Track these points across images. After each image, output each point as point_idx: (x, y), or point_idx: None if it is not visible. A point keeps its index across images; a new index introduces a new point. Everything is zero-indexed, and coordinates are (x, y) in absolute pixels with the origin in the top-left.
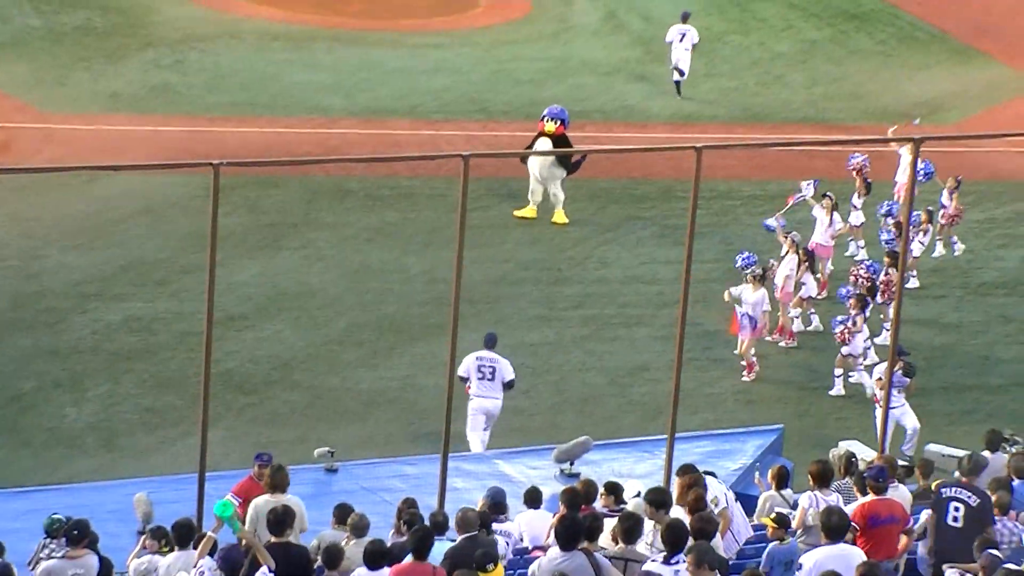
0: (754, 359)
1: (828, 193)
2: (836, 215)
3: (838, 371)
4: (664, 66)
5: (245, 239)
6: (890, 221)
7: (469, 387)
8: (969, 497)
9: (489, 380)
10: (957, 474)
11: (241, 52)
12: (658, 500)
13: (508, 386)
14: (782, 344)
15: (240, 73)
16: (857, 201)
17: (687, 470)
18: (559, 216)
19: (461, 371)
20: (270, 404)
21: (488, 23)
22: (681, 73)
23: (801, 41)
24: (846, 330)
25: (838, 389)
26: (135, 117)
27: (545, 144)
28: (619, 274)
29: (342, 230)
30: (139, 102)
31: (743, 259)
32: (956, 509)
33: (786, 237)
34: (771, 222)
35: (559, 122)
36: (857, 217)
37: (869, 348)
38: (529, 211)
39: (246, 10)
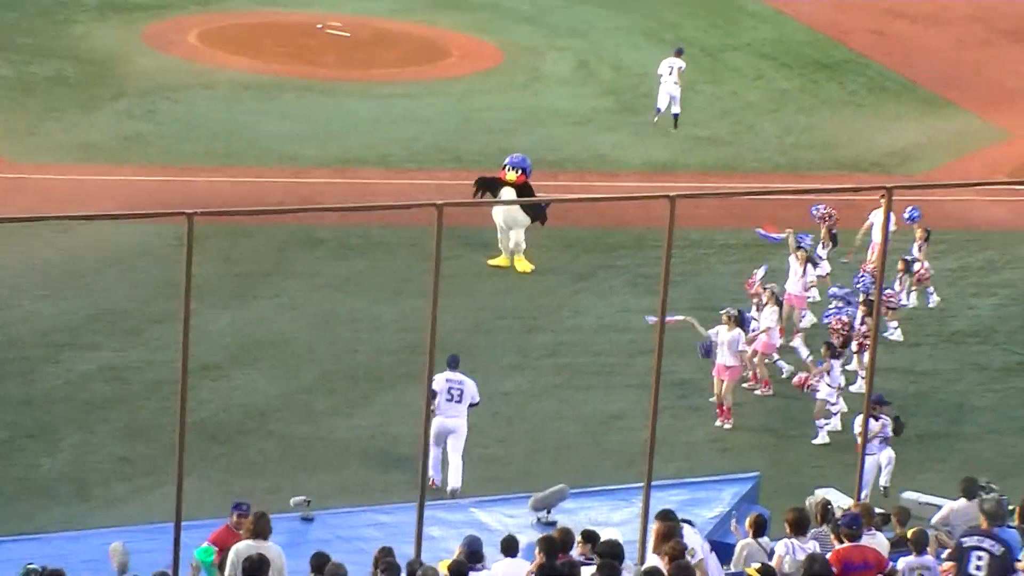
0: (728, 405)
1: (804, 244)
2: (809, 266)
3: (820, 420)
4: (635, 115)
5: (218, 288)
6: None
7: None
8: (992, 546)
9: (457, 402)
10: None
11: (213, 102)
12: (611, 552)
13: (472, 405)
14: (758, 392)
15: (212, 123)
16: (822, 252)
17: (666, 516)
18: (521, 264)
19: (433, 386)
20: (244, 453)
21: (459, 73)
22: (672, 105)
23: (773, 91)
24: (808, 377)
25: (823, 438)
26: (108, 167)
27: (510, 193)
28: (593, 323)
29: (314, 279)
30: (112, 152)
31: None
32: (979, 558)
33: (764, 289)
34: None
35: (520, 171)
36: (823, 268)
37: (838, 396)
38: (503, 260)
39: (218, 60)
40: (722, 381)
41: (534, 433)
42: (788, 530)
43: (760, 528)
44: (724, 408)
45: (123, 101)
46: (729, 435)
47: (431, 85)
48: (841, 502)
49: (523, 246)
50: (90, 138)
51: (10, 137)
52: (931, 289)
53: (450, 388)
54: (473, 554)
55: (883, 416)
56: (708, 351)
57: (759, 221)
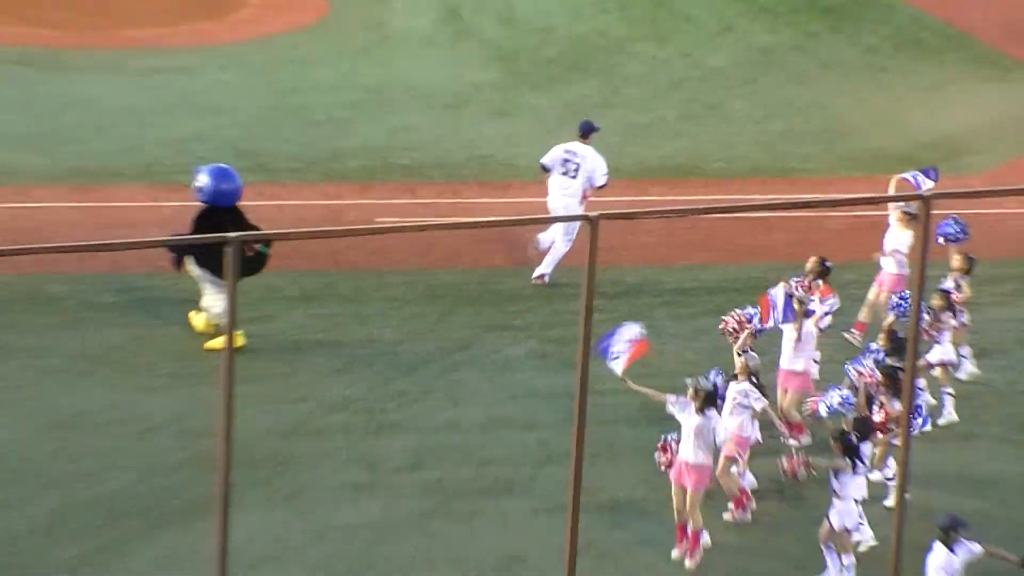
0: (696, 528)
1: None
2: (808, 324)
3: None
4: (535, 93)
5: None
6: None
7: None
8: None
9: (572, 177)
10: None
11: None
12: None
13: (598, 188)
14: (727, 516)
15: None
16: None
17: None
18: (203, 323)
19: (545, 159)
20: None
21: (263, 32)
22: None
23: (747, 50)
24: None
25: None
26: None
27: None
28: (478, 416)
29: (44, 358)
30: None
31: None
32: None
33: (740, 356)
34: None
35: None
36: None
37: (862, 524)
38: (206, 322)
39: None
40: (683, 490)
41: None
42: None
43: None
44: (691, 533)
45: None
46: None
47: (219, 52)
48: None
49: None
50: None
51: None
52: (964, 350)
53: (566, 160)
54: None
55: (964, 542)
56: None
57: (726, 254)
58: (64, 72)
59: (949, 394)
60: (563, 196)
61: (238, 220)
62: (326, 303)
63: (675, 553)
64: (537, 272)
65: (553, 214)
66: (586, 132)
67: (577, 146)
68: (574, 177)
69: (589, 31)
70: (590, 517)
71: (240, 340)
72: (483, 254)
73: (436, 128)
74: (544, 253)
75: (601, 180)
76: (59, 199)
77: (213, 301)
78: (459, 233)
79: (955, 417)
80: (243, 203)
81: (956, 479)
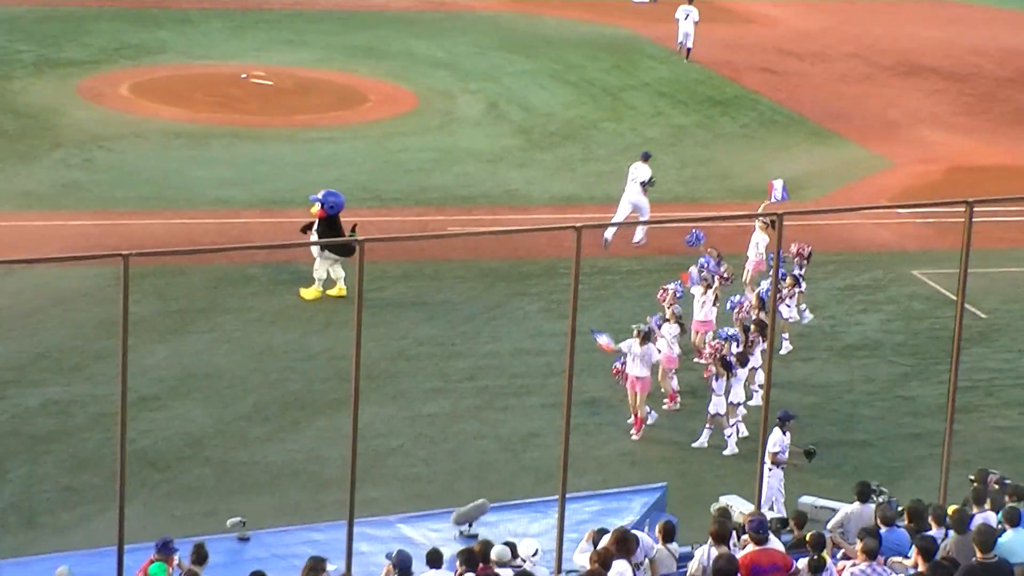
0: (642, 416)
1: (707, 269)
2: (710, 292)
3: (725, 431)
4: (543, 152)
5: (154, 325)
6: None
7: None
8: None
9: (633, 182)
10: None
11: (146, 150)
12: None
13: (647, 184)
14: (664, 407)
15: (145, 170)
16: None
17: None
18: (336, 291)
19: (626, 179)
20: (183, 479)
21: (378, 117)
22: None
23: (670, 126)
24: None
25: (701, 442)
26: (47, 214)
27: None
28: (508, 347)
29: (246, 314)
30: (51, 200)
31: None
32: None
33: (669, 308)
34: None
35: (320, 205)
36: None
37: (739, 406)
38: (315, 291)
39: (150, 111)
40: (635, 393)
41: (456, 452)
42: (711, 541)
43: (669, 534)
44: (638, 418)
45: (60, 151)
46: (637, 448)
47: (352, 129)
48: (744, 508)
49: (327, 276)
50: (30, 187)
51: None
52: (804, 307)
53: (632, 172)
54: (404, 570)
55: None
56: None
57: (660, 248)
58: (258, 141)
59: (785, 338)
60: (635, 193)
61: (341, 224)
62: (417, 279)
63: (633, 436)
64: (636, 238)
65: (627, 203)
66: (646, 157)
67: (639, 164)
68: (634, 181)
69: (574, 115)
70: (577, 408)
71: (342, 291)
72: (512, 250)
73: (483, 174)
74: (611, 245)
75: (644, 178)
76: (255, 218)
77: (331, 269)
78: (498, 236)
79: (790, 347)
80: (365, 219)
81: (800, 384)
